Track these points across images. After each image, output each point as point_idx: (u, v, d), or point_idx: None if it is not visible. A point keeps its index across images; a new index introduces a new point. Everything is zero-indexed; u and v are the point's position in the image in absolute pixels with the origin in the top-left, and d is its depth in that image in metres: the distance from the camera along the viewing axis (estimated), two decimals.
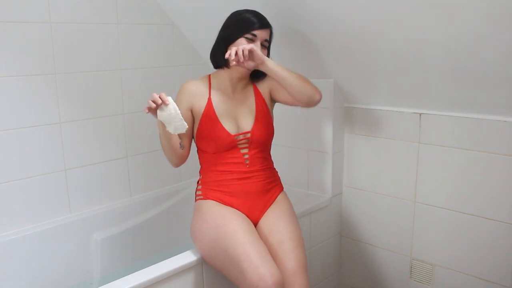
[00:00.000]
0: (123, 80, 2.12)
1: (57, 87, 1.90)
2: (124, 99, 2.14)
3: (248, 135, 1.61)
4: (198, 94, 1.62)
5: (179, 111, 1.41)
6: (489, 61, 1.51)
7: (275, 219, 1.59)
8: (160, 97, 1.40)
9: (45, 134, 1.88)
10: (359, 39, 1.74)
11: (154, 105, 1.40)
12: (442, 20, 1.47)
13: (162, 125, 1.46)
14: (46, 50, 1.85)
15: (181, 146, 1.59)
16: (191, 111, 1.62)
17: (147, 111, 1.42)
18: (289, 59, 2.07)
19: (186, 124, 1.43)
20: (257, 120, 1.64)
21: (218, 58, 1.63)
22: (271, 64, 1.55)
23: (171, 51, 2.31)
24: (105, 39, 2.04)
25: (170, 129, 1.43)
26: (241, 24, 1.58)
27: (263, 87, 1.71)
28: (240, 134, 1.61)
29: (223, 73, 1.65)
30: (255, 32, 1.56)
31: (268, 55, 1.64)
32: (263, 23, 1.59)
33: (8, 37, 1.74)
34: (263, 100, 1.69)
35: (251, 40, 1.56)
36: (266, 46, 1.61)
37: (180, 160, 1.63)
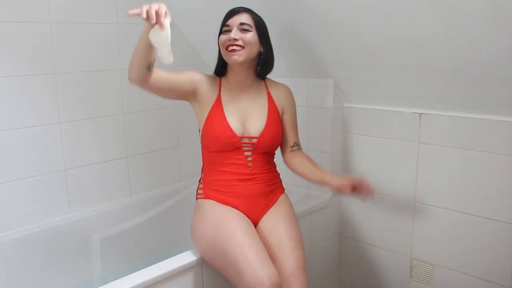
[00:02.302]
0: (123, 80, 2.12)
1: (57, 87, 1.90)
2: (124, 99, 2.14)
3: (254, 140, 1.59)
4: (209, 85, 1.61)
5: (169, 41, 1.29)
6: (489, 61, 1.51)
7: (275, 220, 1.59)
8: (158, 15, 1.24)
9: (45, 134, 1.88)
10: (359, 39, 1.74)
11: (150, 17, 1.24)
12: (442, 20, 1.47)
13: (146, 35, 1.32)
14: (46, 50, 1.85)
15: (149, 68, 1.45)
16: (196, 89, 1.60)
17: (140, 15, 1.25)
18: (290, 59, 2.07)
19: (172, 58, 1.32)
20: (268, 125, 1.62)
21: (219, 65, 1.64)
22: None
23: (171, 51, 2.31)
24: (105, 39, 2.04)
25: (157, 53, 1.33)
26: (220, 28, 1.60)
27: (278, 100, 1.68)
28: (246, 138, 1.59)
29: (229, 75, 1.64)
30: (227, 23, 1.56)
31: (262, 41, 1.60)
32: (233, 11, 1.57)
33: (8, 37, 1.74)
34: (276, 107, 1.67)
35: (228, 32, 1.55)
36: (245, 29, 1.54)
37: (138, 77, 1.46)
